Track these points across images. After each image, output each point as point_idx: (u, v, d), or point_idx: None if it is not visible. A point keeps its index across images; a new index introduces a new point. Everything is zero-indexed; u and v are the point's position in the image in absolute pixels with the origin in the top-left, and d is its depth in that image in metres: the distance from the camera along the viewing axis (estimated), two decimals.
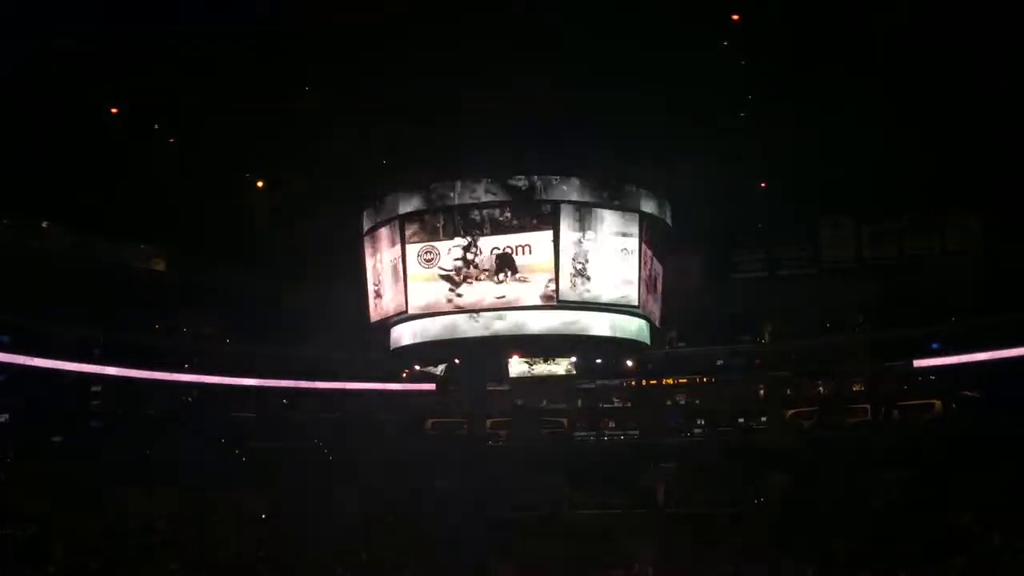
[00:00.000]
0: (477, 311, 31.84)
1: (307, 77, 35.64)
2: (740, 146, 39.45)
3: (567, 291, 31.31)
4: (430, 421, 53.95)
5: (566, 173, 31.85)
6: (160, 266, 48.19)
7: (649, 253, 33.70)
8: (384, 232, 33.61)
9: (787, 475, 45.93)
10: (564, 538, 43.21)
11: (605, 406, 54.57)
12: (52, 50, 32.40)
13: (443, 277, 31.86)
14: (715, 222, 46.33)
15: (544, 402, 55.02)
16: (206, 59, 33.36)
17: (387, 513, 44.93)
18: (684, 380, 54.04)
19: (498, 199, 31.28)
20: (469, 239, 31.42)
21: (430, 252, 32.13)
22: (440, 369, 40.00)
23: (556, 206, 31.35)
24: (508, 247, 31.25)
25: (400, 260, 32.60)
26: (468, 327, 32.26)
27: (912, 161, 39.26)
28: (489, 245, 31.30)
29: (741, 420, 52.17)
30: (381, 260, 33.99)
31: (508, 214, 31.42)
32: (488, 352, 35.39)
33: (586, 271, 31.79)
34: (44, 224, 43.89)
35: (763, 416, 52.28)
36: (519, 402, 54.71)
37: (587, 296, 31.87)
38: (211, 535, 40.90)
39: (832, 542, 39.43)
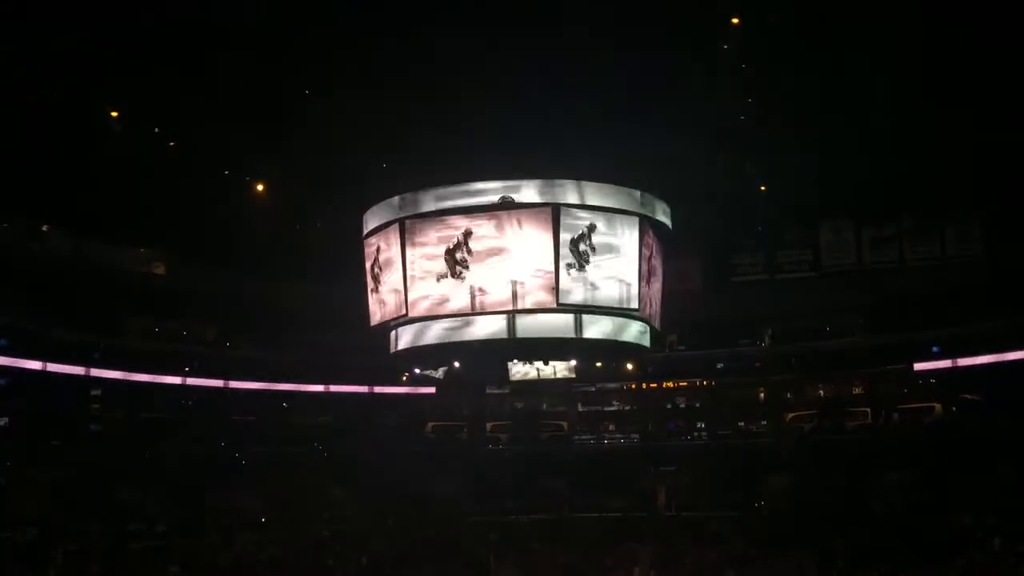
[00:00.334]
0: (476, 314, 31.88)
1: (307, 79, 35.60)
2: (740, 149, 39.46)
3: (567, 294, 31.31)
4: (430, 424, 53.95)
5: (565, 175, 31.89)
6: (160, 270, 48.11)
7: (649, 256, 33.70)
8: (384, 234, 33.60)
9: (787, 478, 45.92)
10: (565, 541, 43.22)
11: (605, 409, 54.63)
12: (52, 52, 32.36)
13: (443, 280, 31.93)
14: (715, 225, 46.34)
15: (544, 405, 55.07)
16: (206, 61, 33.34)
17: (387, 516, 44.84)
18: (684, 383, 54.21)
19: (498, 201, 31.29)
20: (467, 242, 31.41)
21: (430, 255, 32.17)
22: (440, 372, 39.89)
23: (556, 209, 31.35)
24: (507, 250, 31.27)
25: (400, 262, 32.59)
26: (468, 330, 32.27)
27: (912, 164, 39.21)
28: (488, 248, 31.31)
29: (741, 423, 52.21)
30: (382, 263, 33.97)
31: (507, 217, 31.45)
32: (488, 355, 35.29)
33: (586, 274, 31.77)
34: (44, 227, 43.81)
35: (763, 419, 52.31)
36: (519, 405, 54.78)
37: (587, 299, 31.87)
38: (211, 538, 40.86)
39: (833, 545, 39.41)
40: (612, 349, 35.55)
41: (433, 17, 30.70)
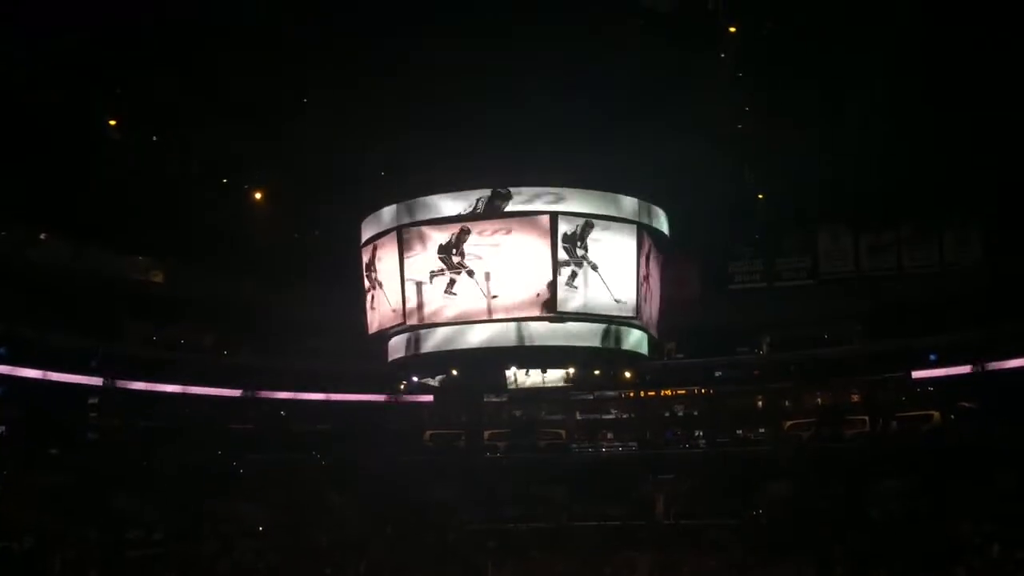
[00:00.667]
0: (474, 322, 31.90)
1: (305, 84, 35.66)
2: (738, 156, 39.52)
3: (565, 302, 31.34)
4: (428, 432, 53.92)
5: (563, 183, 31.94)
6: (158, 278, 48.14)
7: (647, 264, 33.74)
8: (382, 243, 33.63)
9: (786, 486, 45.88)
10: (563, 549, 43.14)
11: (603, 417, 54.62)
12: (50, 57, 32.41)
13: (440, 287, 31.97)
14: (713, 233, 46.39)
15: (542, 413, 55.05)
16: (204, 66, 33.40)
17: (385, 524, 44.79)
18: (682, 391, 54.13)
19: (496, 210, 31.33)
20: (466, 249, 31.45)
21: (427, 262, 32.20)
22: (438, 380, 39.93)
23: (553, 216, 31.38)
24: (504, 257, 31.31)
25: (398, 271, 32.62)
26: (466, 338, 32.28)
27: (910, 171, 39.26)
28: (487, 255, 31.35)
29: (740, 431, 52.15)
30: (379, 271, 34.00)
31: (506, 225, 31.50)
32: (486, 363, 35.31)
33: (584, 282, 31.80)
34: (43, 235, 43.84)
35: (762, 427, 52.27)
36: (517, 413, 54.77)
37: (585, 307, 31.90)
38: (209, 546, 40.79)
39: (831, 552, 39.34)
40: (610, 357, 35.57)
41: (432, 19, 30.71)
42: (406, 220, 32.41)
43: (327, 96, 35.45)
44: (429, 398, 51.80)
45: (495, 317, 31.57)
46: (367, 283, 35.07)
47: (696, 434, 52.83)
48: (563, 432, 54.28)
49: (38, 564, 35.36)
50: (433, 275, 31.84)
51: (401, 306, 32.71)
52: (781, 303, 49.40)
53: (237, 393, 49.72)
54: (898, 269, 47.27)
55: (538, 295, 31.16)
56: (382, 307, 34.14)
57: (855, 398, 51.11)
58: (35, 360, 42.17)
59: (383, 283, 33.76)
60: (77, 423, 45.90)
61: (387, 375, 44.60)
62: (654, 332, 35.67)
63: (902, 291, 47.12)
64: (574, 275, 31.42)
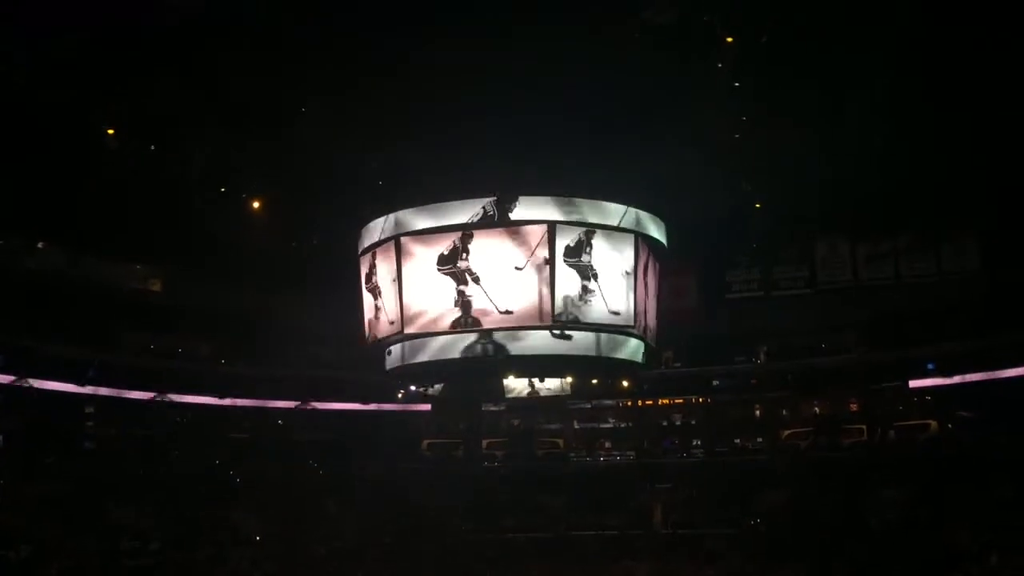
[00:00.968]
0: (471, 331, 31.93)
1: (305, 92, 35.71)
2: (735, 166, 39.59)
3: (562, 311, 31.39)
4: (426, 442, 53.85)
5: (562, 192, 32.02)
6: (156, 286, 48.15)
7: (645, 273, 33.82)
8: (380, 251, 33.68)
9: (783, 495, 45.83)
10: (561, 558, 43.09)
11: (601, 426, 54.61)
12: (48, 63, 32.43)
13: (438, 296, 32.01)
14: (711, 242, 46.47)
15: (540, 422, 55.04)
16: (203, 73, 33.42)
17: (383, 533, 44.73)
18: (680, 400, 54.17)
19: (494, 219, 31.39)
20: (465, 257, 31.51)
21: (425, 272, 32.24)
22: (436, 389, 39.98)
23: (552, 226, 31.45)
24: (502, 266, 31.37)
25: (396, 279, 32.66)
26: (463, 347, 32.32)
27: (908, 180, 39.34)
28: (485, 264, 31.42)
29: (737, 440, 52.12)
30: (377, 279, 34.04)
31: (504, 233, 31.57)
32: (483, 372, 35.34)
33: (582, 291, 31.86)
34: (40, 244, 43.83)
35: (759, 436, 52.25)
36: (515, 422, 54.77)
37: (583, 316, 31.94)
38: (206, 555, 40.69)
39: (829, 561, 39.32)
40: (608, 366, 35.60)
41: (431, 30, 30.78)
42: (404, 229, 32.52)
43: (326, 101, 35.44)
44: (427, 407, 51.70)
45: (492, 326, 31.67)
46: (365, 292, 35.13)
47: (694, 443, 52.83)
48: (561, 441, 54.24)
49: (35, 573, 35.26)
50: (433, 283, 31.95)
51: (399, 315, 32.77)
52: (779, 312, 49.51)
53: (235, 402, 49.52)
54: (895, 278, 47.35)
55: (536, 303, 31.30)
56: (380, 316, 34.20)
57: (853, 407, 51.12)
58: (32, 369, 42.04)
59: (381, 292, 33.84)
60: (74, 432, 45.74)
61: (385, 384, 44.53)
62: (652, 341, 35.74)
63: (899, 300, 47.22)
64: (573, 284, 31.54)
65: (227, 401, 49.32)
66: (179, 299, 47.43)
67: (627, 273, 32.64)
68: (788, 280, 49.48)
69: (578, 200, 32.07)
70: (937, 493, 41.61)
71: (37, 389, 41.94)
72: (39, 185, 37.66)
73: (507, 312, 31.35)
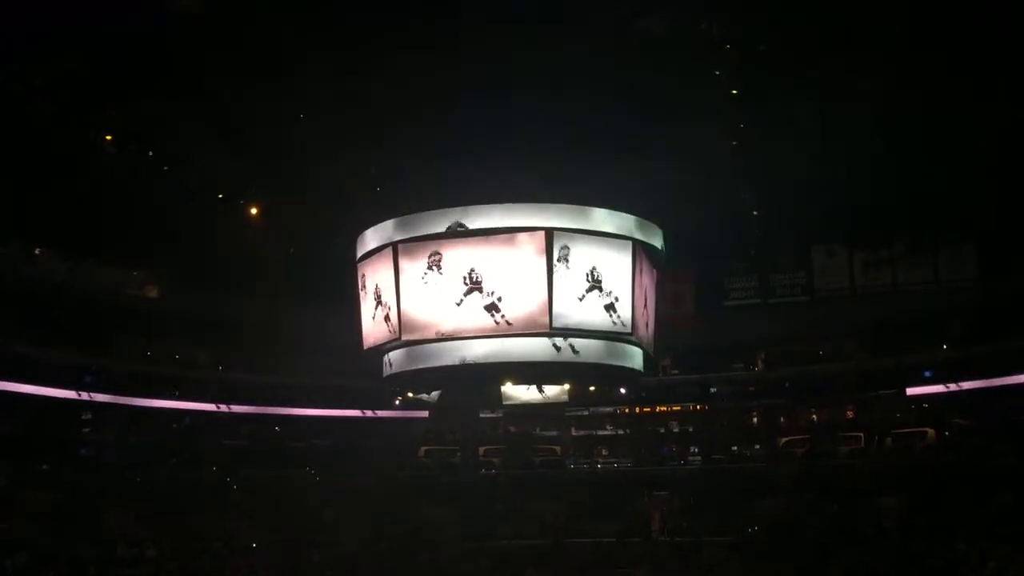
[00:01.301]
0: (469, 337, 31.91)
1: (301, 102, 35.72)
2: (733, 173, 39.62)
3: (560, 317, 31.37)
4: (423, 448, 53.77)
5: (560, 199, 32.03)
6: (152, 293, 48.10)
7: (642, 280, 33.79)
8: (378, 258, 33.65)
9: (781, 503, 45.80)
10: (558, 566, 43.02)
11: (599, 433, 54.54)
12: (46, 75, 32.43)
13: (436, 303, 31.99)
14: (708, 249, 46.46)
15: (537, 429, 55.01)
16: (200, 84, 33.42)
17: (380, 540, 44.65)
18: (677, 408, 54.08)
19: (492, 225, 31.41)
20: (465, 264, 31.52)
21: (423, 278, 32.21)
22: (433, 396, 39.98)
23: (549, 232, 31.44)
24: (499, 272, 31.36)
25: (394, 286, 32.63)
26: (461, 354, 32.28)
27: (905, 188, 39.36)
28: (483, 270, 31.39)
29: (735, 447, 52.05)
30: (375, 286, 34.00)
31: (503, 239, 31.55)
32: (481, 379, 35.31)
33: (580, 297, 31.85)
34: (37, 251, 43.78)
35: (757, 444, 52.21)
36: (512, 429, 54.72)
37: (581, 323, 31.92)
38: (202, 563, 40.61)
39: (826, 570, 39.28)
40: (605, 373, 35.58)
41: (431, 42, 30.84)
42: (401, 236, 32.51)
43: (324, 108, 35.48)
44: (424, 414, 51.61)
45: (490, 333, 31.66)
46: (362, 298, 35.10)
47: (691, 450, 52.69)
48: (558, 448, 54.19)
49: None
50: (429, 290, 31.94)
51: (396, 322, 32.74)
52: (776, 320, 49.44)
53: (232, 409, 49.43)
54: (893, 286, 47.30)
55: (534, 310, 31.29)
56: (377, 323, 34.15)
57: (850, 415, 51.04)
58: (28, 375, 41.94)
59: (378, 299, 33.80)
60: (70, 439, 45.64)
61: (382, 391, 44.47)
62: (650, 349, 35.72)
63: (897, 308, 47.13)
64: (571, 291, 31.53)
65: (224, 408, 49.18)
66: (176, 305, 47.32)
67: (625, 279, 32.59)
68: (786, 287, 49.41)
69: (576, 207, 32.09)
70: (935, 501, 41.57)
71: (33, 395, 41.83)
72: (36, 192, 37.58)
73: (507, 320, 31.32)
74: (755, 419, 53.18)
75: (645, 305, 34.60)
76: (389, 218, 32.96)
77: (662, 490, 49.72)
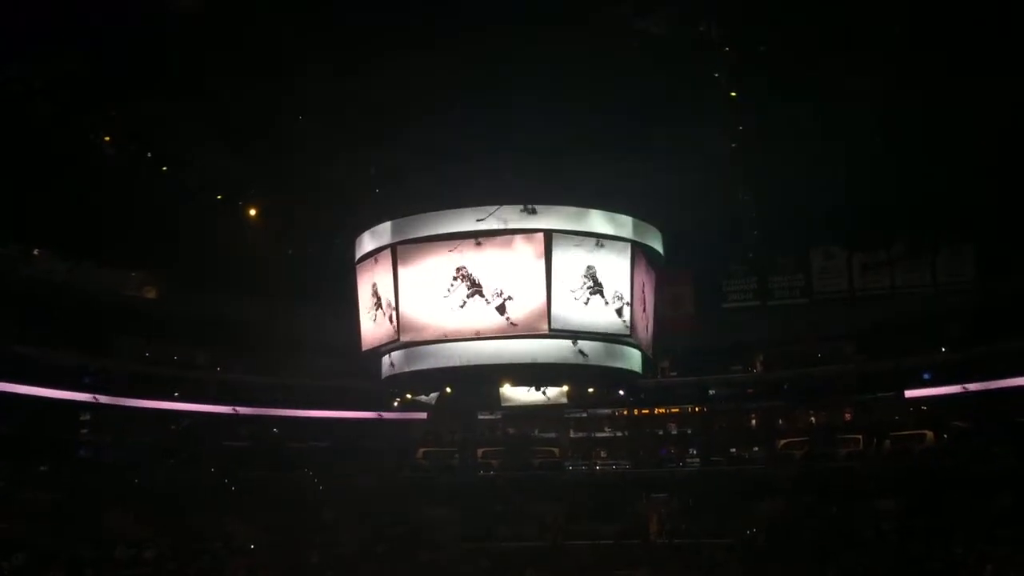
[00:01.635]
0: (469, 339, 31.93)
1: (301, 103, 35.71)
2: (732, 175, 39.63)
3: (559, 319, 31.40)
4: (422, 450, 53.75)
5: (558, 201, 32.06)
6: (151, 293, 48.12)
7: (641, 282, 33.83)
8: (377, 259, 33.69)
9: (779, 505, 45.82)
10: (557, 568, 43.01)
11: (597, 435, 54.54)
12: (46, 75, 32.44)
13: (434, 304, 32.01)
14: (707, 251, 46.46)
15: (536, 431, 55.00)
16: (200, 84, 33.42)
17: (379, 542, 44.64)
18: (676, 409, 54.16)
19: (490, 226, 31.44)
20: (461, 265, 31.54)
21: (422, 280, 32.25)
22: (431, 397, 39.98)
23: (548, 234, 31.48)
24: (499, 273, 31.40)
25: (392, 287, 32.66)
26: (459, 355, 32.31)
27: (904, 190, 39.36)
28: (480, 272, 31.44)
29: (733, 449, 52.07)
30: (374, 287, 34.03)
31: (500, 241, 31.59)
32: (479, 380, 35.31)
33: (578, 299, 31.88)
34: (36, 251, 43.80)
35: (755, 446, 52.21)
36: (511, 431, 54.71)
37: (579, 324, 31.95)
38: (201, 564, 40.60)
39: (825, 572, 39.27)
40: (604, 375, 35.58)
41: (431, 42, 30.86)
42: (401, 237, 32.56)
43: (324, 108, 35.49)
44: (422, 416, 51.61)
45: (489, 335, 31.70)
46: (362, 300, 35.12)
47: (690, 452, 52.68)
48: (557, 450, 54.17)
49: None
50: (431, 291, 31.98)
51: (395, 323, 32.77)
52: (775, 322, 49.43)
53: (229, 410, 49.45)
54: (891, 288, 47.29)
55: (533, 312, 31.33)
56: (376, 324, 34.18)
57: (848, 417, 51.15)
58: (27, 376, 41.95)
59: (378, 300, 33.83)
60: (68, 440, 45.64)
61: (381, 392, 44.48)
62: (648, 350, 35.75)
63: (896, 310, 47.14)
64: (569, 293, 31.56)
65: (222, 409, 49.20)
66: (175, 306, 47.35)
67: (624, 281, 32.63)
68: (784, 289, 49.33)
69: (576, 209, 32.15)
70: (933, 504, 41.59)
71: (31, 396, 41.83)
72: (36, 192, 37.59)
73: (507, 321, 31.36)
74: (754, 421, 53.28)
75: (644, 307, 34.65)
76: (388, 219, 33.01)
77: (661, 492, 49.78)
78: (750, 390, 52.76)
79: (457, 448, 54.24)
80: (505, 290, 31.48)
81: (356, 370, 41.00)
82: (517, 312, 31.43)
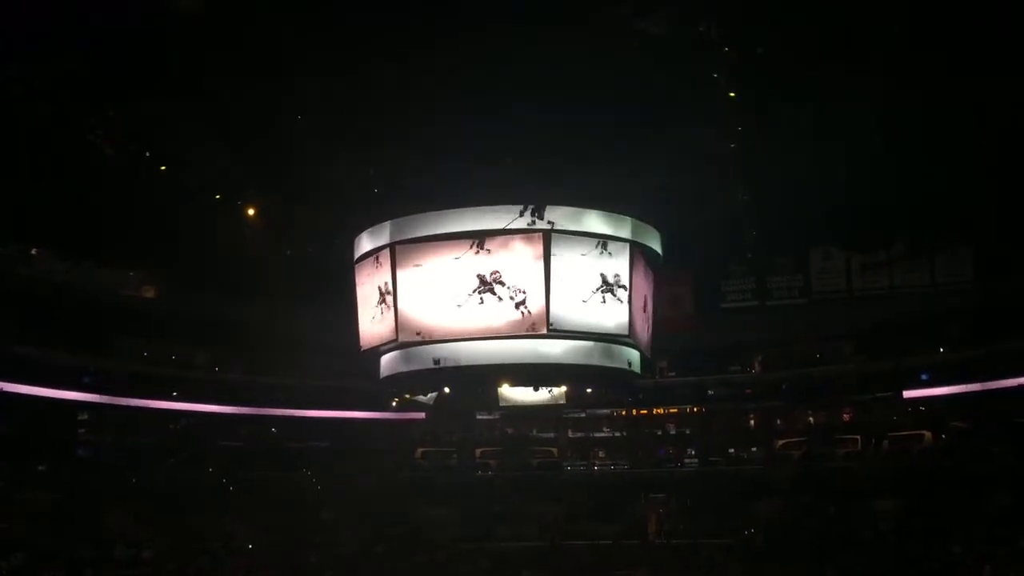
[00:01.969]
0: (466, 340, 31.99)
1: (301, 103, 35.72)
2: (731, 175, 39.66)
3: (558, 320, 31.45)
4: (420, 450, 53.76)
5: (558, 201, 32.11)
6: (150, 293, 48.11)
7: (640, 282, 33.88)
8: (376, 259, 33.72)
9: (778, 505, 45.85)
10: (555, 568, 42.99)
11: (595, 435, 54.58)
12: (46, 75, 32.42)
13: (433, 305, 32.07)
14: (706, 252, 46.50)
15: (534, 431, 55.02)
16: (200, 84, 33.43)
17: (377, 542, 44.65)
18: (674, 410, 54.23)
19: (489, 226, 31.50)
20: (460, 266, 31.61)
21: (421, 279, 32.30)
22: (429, 397, 40.03)
23: (547, 234, 31.54)
24: (498, 273, 31.44)
25: (391, 287, 32.70)
26: (458, 355, 32.36)
27: (902, 190, 39.42)
28: (480, 271, 31.48)
29: (731, 450, 52.13)
30: (373, 287, 34.05)
31: (499, 241, 31.64)
32: (478, 381, 35.36)
33: (577, 299, 31.94)
34: (33, 251, 43.79)
35: (754, 446, 52.28)
36: (509, 431, 54.72)
37: (578, 325, 32.00)
38: (201, 564, 40.59)
39: (823, 572, 39.28)
40: (602, 375, 35.63)
41: (431, 42, 30.89)
42: (400, 237, 32.61)
43: (324, 108, 35.50)
44: (421, 416, 51.66)
45: (487, 335, 31.77)
46: (360, 300, 35.15)
47: (688, 452, 52.74)
48: (555, 450, 54.21)
49: None
50: (429, 291, 32.03)
51: (394, 323, 32.82)
52: (773, 322, 49.47)
53: (230, 410, 49.46)
54: (890, 288, 47.35)
55: (532, 312, 31.38)
56: (375, 324, 34.22)
57: (847, 417, 51.22)
58: (25, 375, 41.93)
59: (376, 300, 33.87)
60: (67, 440, 45.62)
61: (379, 392, 44.48)
62: (647, 351, 35.80)
63: (894, 310, 47.19)
64: (569, 293, 31.61)
65: (221, 409, 49.19)
66: (175, 306, 47.34)
67: (623, 282, 32.68)
68: (783, 290, 49.41)
69: (574, 209, 32.21)
70: (931, 504, 41.65)
71: (30, 395, 41.81)
72: (36, 192, 37.59)
73: (523, 314, 31.46)
74: (752, 421, 53.39)
75: (642, 307, 34.71)
76: (388, 219, 33.06)
77: (659, 492, 49.84)
78: (749, 390, 52.85)
79: (456, 448, 54.27)
80: (505, 291, 31.56)
81: (356, 370, 40.99)
82: (513, 311, 31.55)
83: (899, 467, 45.58)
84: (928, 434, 47.31)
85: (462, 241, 31.82)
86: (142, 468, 45.17)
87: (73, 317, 43.70)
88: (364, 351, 35.72)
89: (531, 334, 31.98)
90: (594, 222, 32.67)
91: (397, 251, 32.83)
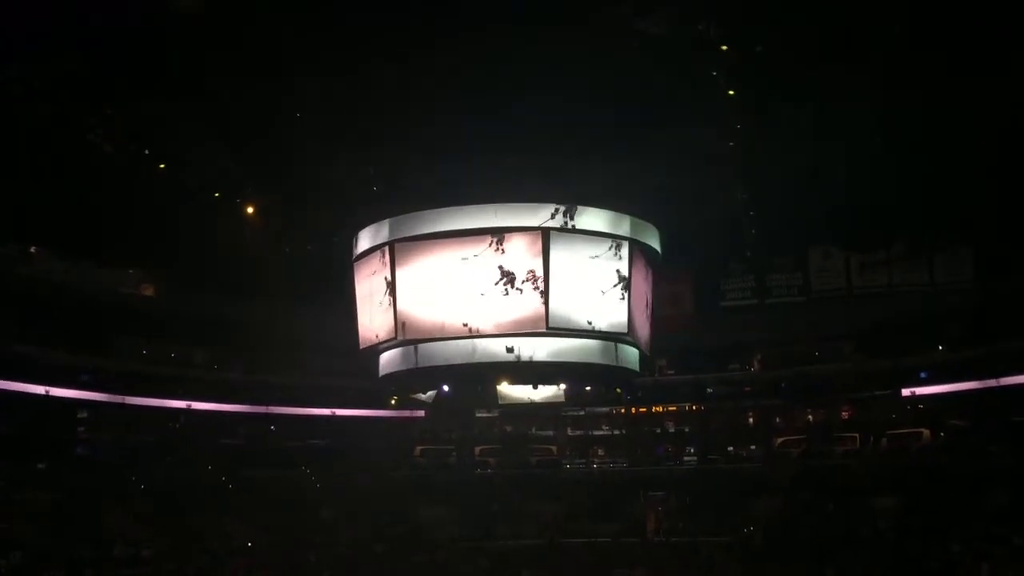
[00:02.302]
0: (466, 337, 31.98)
1: (301, 103, 35.75)
2: (730, 174, 39.71)
3: (557, 317, 31.46)
4: (419, 448, 53.76)
5: (558, 200, 32.11)
6: (149, 291, 48.08)
7: (639, 280, 33.89)
8: (375, 257, 33.71)
9: (777, 503, 45.90)
10: (554, 567, 43.05)
11: (595, 433, 54.58)
12: (46, 75, 32.44)
13: (432, 303, 32.08)
14: (705, 250, 46.52)
15: (533, 429, 55.04)
16: (197, 84, 33.45)
17: (377, 541, 44.68)
18: (673, 408, 54.20)
19: (489, 225, 31.52)
20: (459, 264, 31.65)
21: (420, 278, 32.30)
22: (428, 396, 40.04)
23: (546, 232, 31.54)
24: (498, 271, 31.47)
25: (390, 285, 32.70)
26: (457, 353, 32.36)
27: (902, 190, 39.46)
28: (479, 270, 31.51)
29: (730, 448, 52.16)
30: (372, 285, 34.05)
31: (499, 240, 31.64)
32: (477, 379, 35.35)
33: (576, 297, 31.95)
34: (32, 249, 43.75)
35: (753, 444, 52.29)
36: (508, 429, 54.73)
37: (577, 323, 32.00)
38: (200, 563, 40.60)
39: (822, 570, 39.35)
40: (601, 373, 35.63)
41: (432, 42, 30.93)
42: (400, 235, 32.61)
43: (323, 108, 35.53)
44: (420, 414, 51.67)
45: (487, 333, 31.77)
46: (360, 298, 35.15)
47: (687, 451, 52.76)
48: (554, 448, 54.22)
49: None
50: (429, 289, 32.05)
51: (394, 321, 32.82)
52: (773, 320, 49.49)
53: (229, 408, 49.45)
54: (889, 287, 47.38)
55: (532, 310, 31.41)
56: (374, 322, 34.21)
57: (846, 415, 51.23)
58: (24, 374, 41.88)
59: (376, 298, 33.86)
60: (66, 438, 45.58)
61: (378, 391, 44.47)
62: (646, 349, 35.80)
63: (893, 309, 47.22)
64: (568, 291, 31.63)
65: (221, 407, 49.18)
66: (174, 305, 47.29)
67: (622, 280, 32.68)
68: (782, 288, 49.47)
69: (574, 207, 32.20)
70: (930, 502, 41.69)
71: (29, 394, 41.78)
72: (36, 192, 37.59)
73: (505, 319, 31.46)
74: (751, 420, 53.35)
75: (641, 305, 34.72)
76: (387, 216, 33.08)
77: (658, 490, 49.82)
78: (748, 388, 52.82)
79: (455, 446, 54.28)
80: (501, 289, 31.57)
81: (355, 369, 40.98)
82: (516, 312, 31.58)
83: (898, 465, 45.57)
84: (926, 432, 47.29)
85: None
86: (141, 467, 45.06)
87: (73, 316, 43.60)
88: (363, 349, 35.70)
89: (530, 332, 31.96)
90: (594, 220, 32.60)
91: (396, 249, 32.78)
